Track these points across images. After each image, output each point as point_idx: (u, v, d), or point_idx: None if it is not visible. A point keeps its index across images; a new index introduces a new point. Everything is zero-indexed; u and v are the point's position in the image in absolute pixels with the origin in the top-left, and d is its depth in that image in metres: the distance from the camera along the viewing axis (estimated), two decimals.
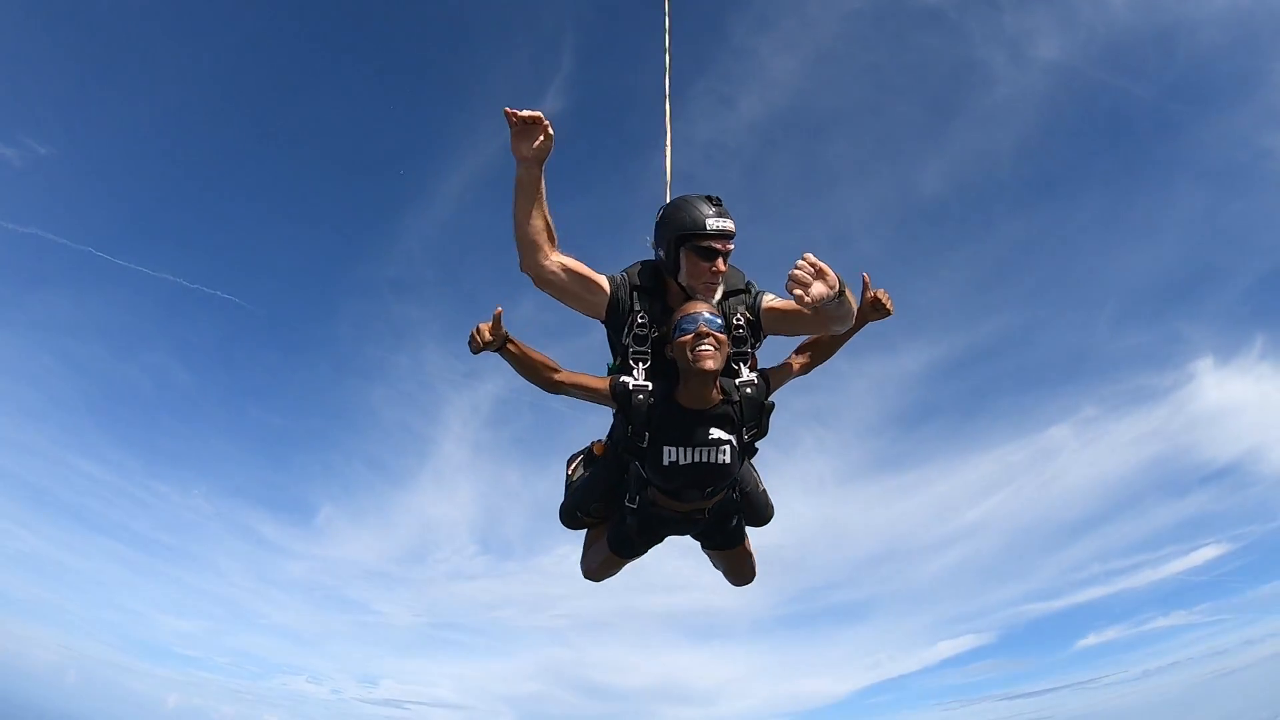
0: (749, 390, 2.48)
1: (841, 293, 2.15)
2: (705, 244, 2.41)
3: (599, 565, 3.04)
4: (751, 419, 2.48)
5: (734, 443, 2.46)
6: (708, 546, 3.03)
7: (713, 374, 2.32)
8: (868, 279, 2.57)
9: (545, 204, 2.32)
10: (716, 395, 2.42)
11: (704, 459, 2.43)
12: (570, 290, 2.47)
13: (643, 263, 2.65)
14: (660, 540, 2.90)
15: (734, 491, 2.74)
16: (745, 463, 2.68)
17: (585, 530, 3.05)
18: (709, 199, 2.46)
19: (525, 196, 2.27)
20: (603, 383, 2.50)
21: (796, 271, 2.09)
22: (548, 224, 2.34)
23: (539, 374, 2.50)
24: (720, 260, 2.44)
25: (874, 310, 2.58)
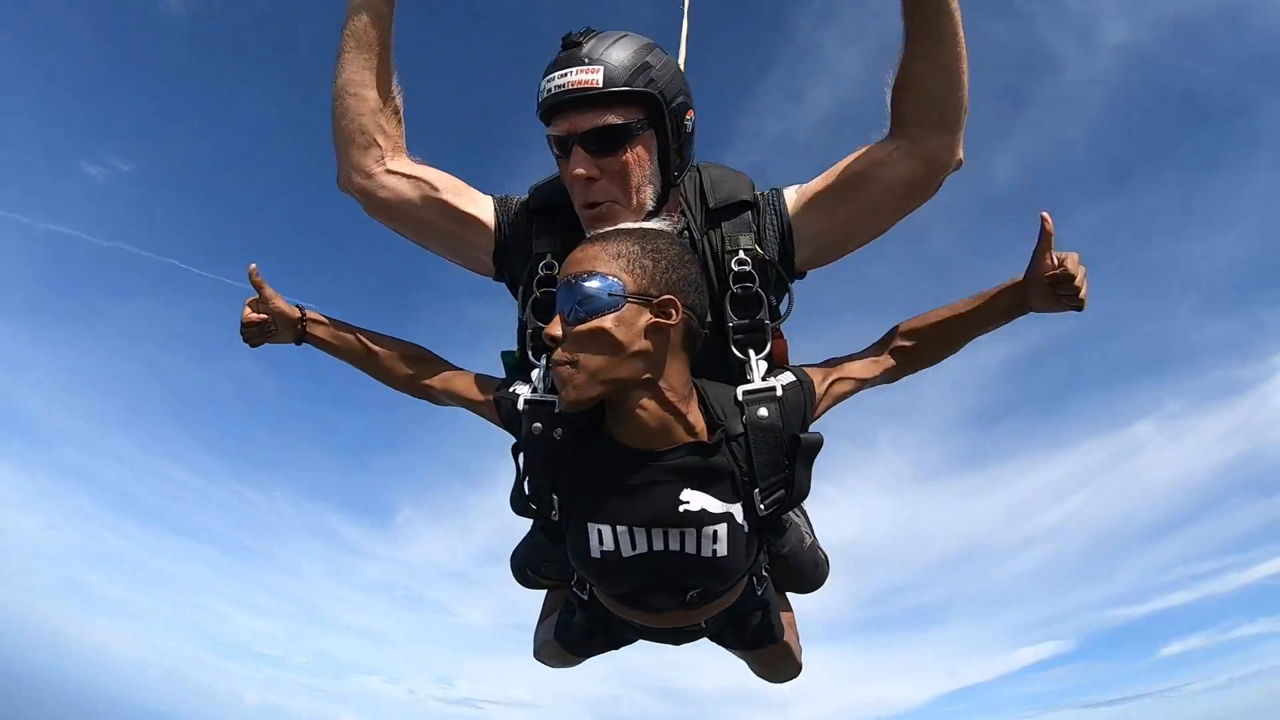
0: (763, 413, 1.24)
1: None
2: (549, 132, 1.32)
3: (543, 649, 1.97)
4: (771, 470, 1.24)
5: (734, 518, 1.24)
6: (725, 646, 1.89)
7: (573, 405, 1.16)
8: (1049, 225, 1.34)
9: (391, 71, 1.37)
10: (690, 422, 1.22)
11: (670, 547, 1.24)
12: (424, 220, 1.44)
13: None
14: (629, 643, 1.81)
15: (754, 585, 1.57)
16: (769, 545, 1.48)
17: (545, 591, 1.98)
18: (563, 41, 1.31)
19: (358, 45, 1.32)
20: (483, 390, 1.41)
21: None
22: (391, 103, 1.38)
23: (394, 374, 1.56)
24: (578, 155, 1.27)
25: (1054, 291, 1.36)
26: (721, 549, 1.24)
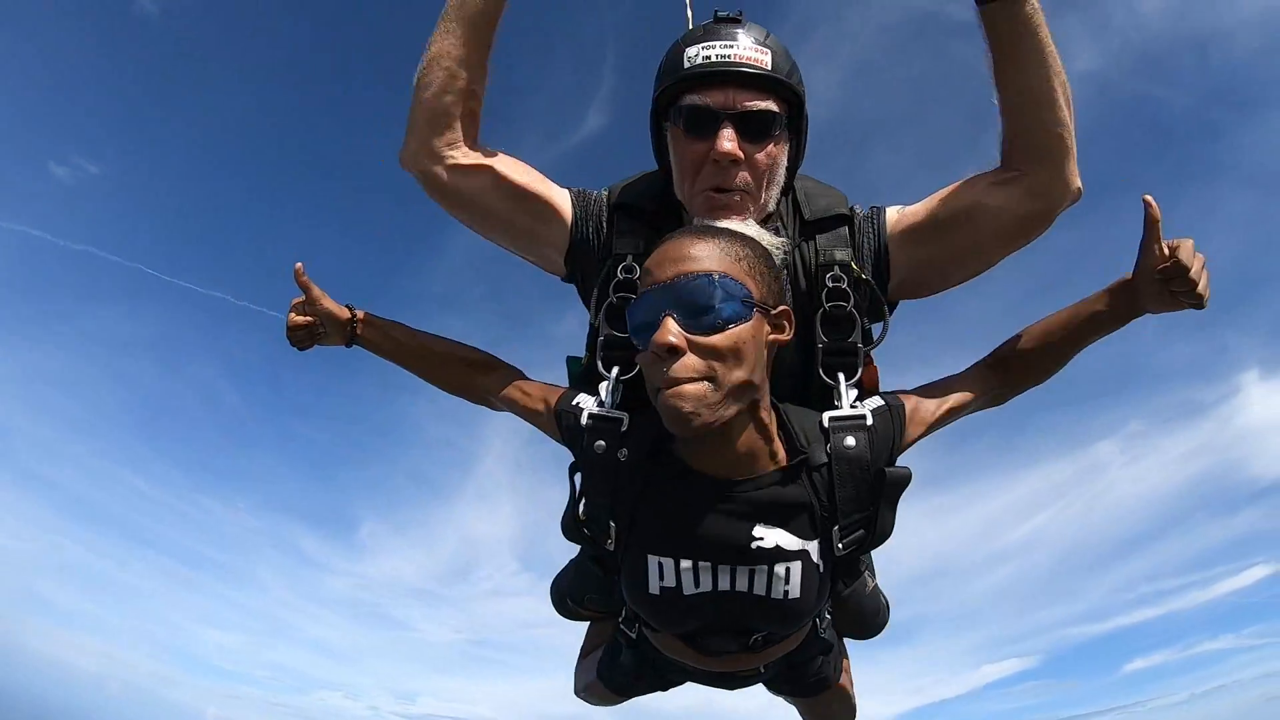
0: (850, 443, 1.12)
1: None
2: (691, 99, 1.21)
3: (586, 689, 1.83)
4: (854, 507, 1.12)
5: (809, 556, 1.12)
6: (775, 691, 1.75)
7: (705, 429, 0.99)
8: (1156, 212, 1.18)
9: (489, 53, 1.26)
10: (771, 450, 1.11)
11: (738, 587, 1.13)
12: (493, 209, 1.34)
13: (651, 173, 1.40)
14: (678, 684, 1.67)
15: (818, 629, 1.44)
16: (844, 587, 1.38)
17: (588, 622, 1.84)
18: (718, 17, 1.25)
19: (461, 21, 1.22)
20: (544, 400, 1.30)
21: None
22: (479, 87, 1.28)
23: (449, 377, 1.47)
24: (728, 132, 1.17)
25: (1168, 286, 1.19)
26: (794, 590, 1.12)
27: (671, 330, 0.96)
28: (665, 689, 1.72)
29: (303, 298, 1.45)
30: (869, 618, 1.63)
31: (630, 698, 1.80)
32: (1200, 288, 1.19)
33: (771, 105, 1.20)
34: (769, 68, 1.19)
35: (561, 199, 1.35)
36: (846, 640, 1.78)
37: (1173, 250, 1.18)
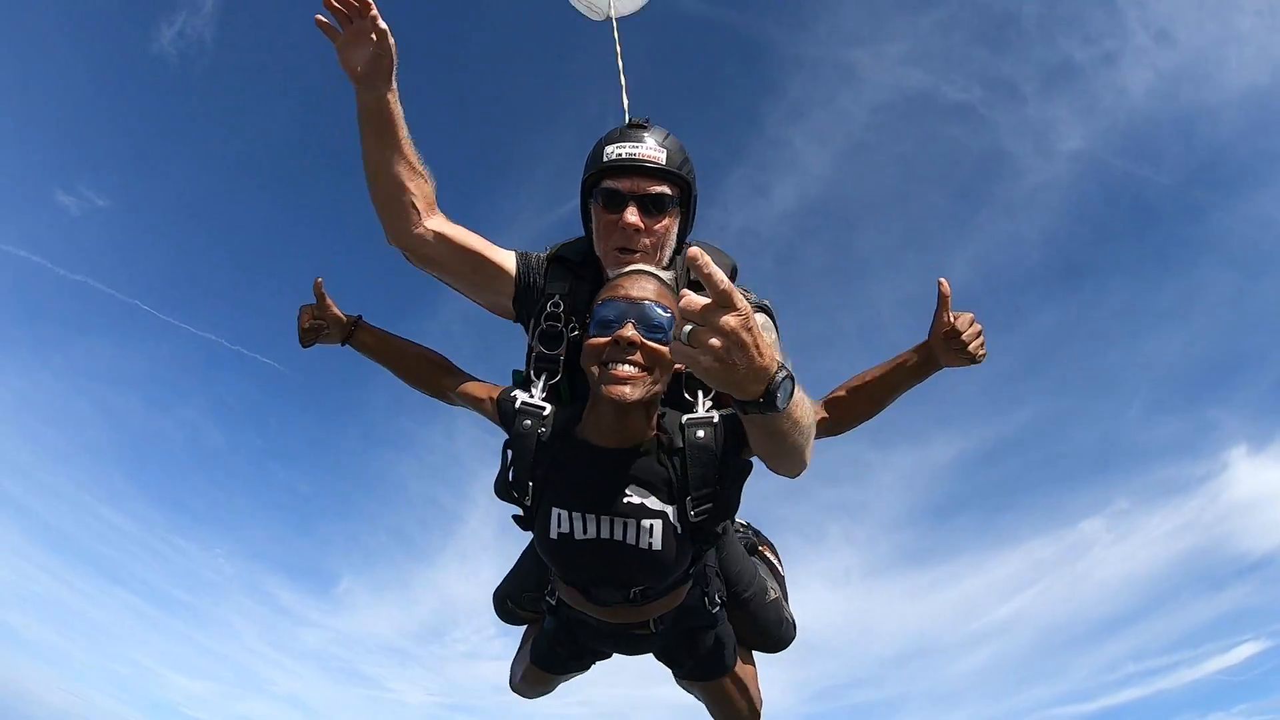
0: (700, 435, 1.49)
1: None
2: (607, 183, 1.65)
3: (521, 676, 2.15)
4: (702, 483, 1.48)
5: (669, 517, 1.49)
6: (679, 675, 2.02)
7: (630, 407, 1.40)
8: (946, 289, 1.70)
9: (408, 144, 1.60)
10: (647, 432, 1.51)
11: (614, 535, 1.49)
12: (458, 272, 1.74)
13: (579, 237, 1.83)
14: (598, 655, 2.01)
15: (704, 595, 1.77)
16: (700, 551, 1.63)
17: (525, 629, 2.19)
18: (630, 123, 1.71)
19: (375, 132, 1.56)
20: (489, 394, 1.68)
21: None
22: (416, 171, 1.62)
23: (420, 376, 1.87)
24: (632, 209, 1.61)
25: (950, 346, 1.69)
26: (656, 543, 1.49)
27: (629, 328, 1.39)
28: (583, 662, 2.04)
29: (315, 304, 1.86)
30: (772, 627, 1.96)
31: (558, 675, 2.12)
32: (972, 348, 1.68)
33: (665, 189, 1.66)
34: (664, 163, 1.65)
35: (507, 259, 1.79)
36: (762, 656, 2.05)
37: (955, 319, 1.68)
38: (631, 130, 1.69)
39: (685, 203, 1.72)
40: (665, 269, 1.66)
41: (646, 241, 1.64)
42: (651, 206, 1.64)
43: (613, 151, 1.65)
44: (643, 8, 4.02)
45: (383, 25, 1.48)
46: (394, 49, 1.51)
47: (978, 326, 1.68)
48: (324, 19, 1.48)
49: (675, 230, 1.71)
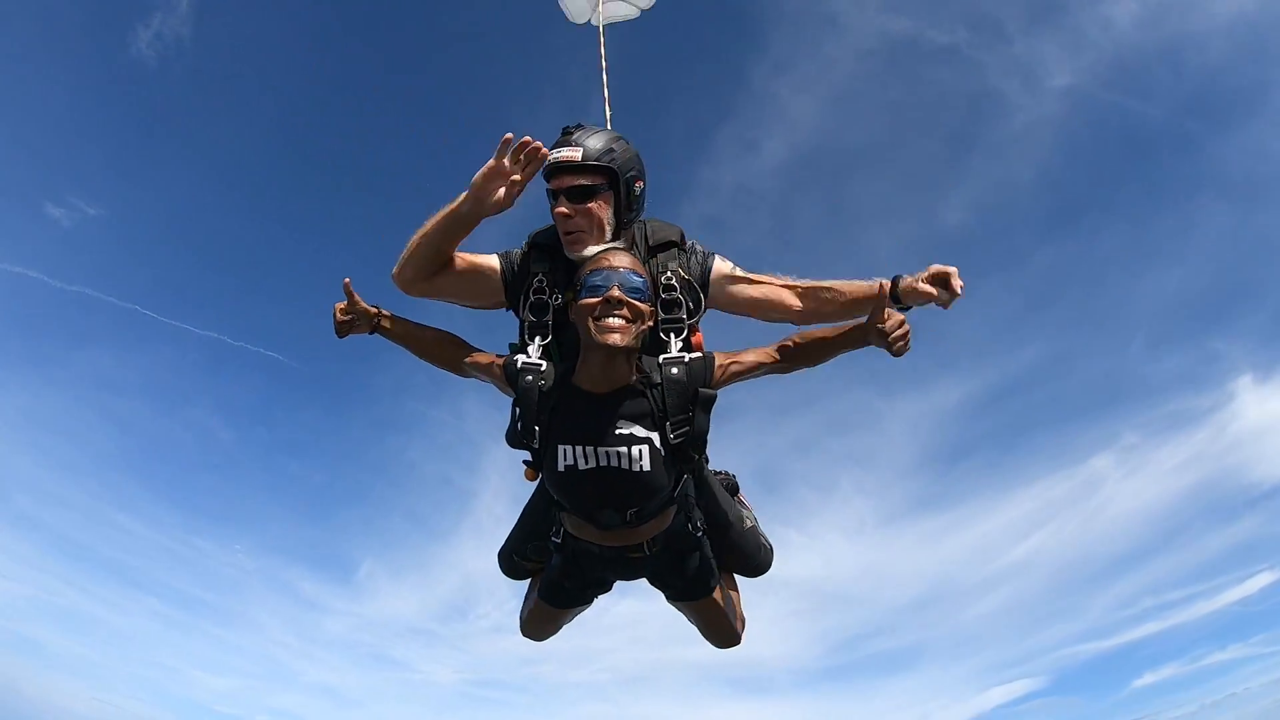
0: (674, 371, 1.85)
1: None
2: (547, 186, 2.00)
3: (529, 616, 2.42)
4: (678, 410, 1.83)
5: (653, 442, 1.83)
6: (670, 597, 2.31)
7: (619, 351, 1.76)
8: (884, 291, 1.98)
9: (460, 242, 2.01)
10: (630, 375, 1.84)
11: (610, 463, 1.81)
12: (456, 297, 2.13)
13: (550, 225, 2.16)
14: (600, 587, 2.30)
15: (688, 520, 2.08)
16: (681, 472, 1.97)
17: (530, 580, 2.46)
18: (563, 130, 2.03)
19: (451, 229, 1.95)
20: (494, 361, 2.00)
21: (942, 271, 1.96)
22: (444, 261, 2.03)
23: (437, 354, 2.14)
24: (561, 202, 1.95)
25: (879, 337, 1.93)
26: (645, 465, 1.82)
27: (615, 289, 1.77)
28: (586, 594, 2.31)
29: (346, 302, 2.11)
30: (751, 553, 2.31)
31: (564, 610, 2.36)
32: (896, 348, 1.93)
33: (585, 180, 1.96)
34: (579, 159, 1.94)
35: (490, 262, 2.12)
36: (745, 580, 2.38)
37: (889, 316, 1.91)
38: (562, 137, 2.00)
39: (615, 185, 2.00)
40: (610, 240, 2.03)
41: (580, 222, 1.98)
42: (577, 196, 1.96)
43: (552, 153, 1.97)
44: (631, 19, 4.39)
45: (520, 182, 1.88)
46: (514, 202, 1.90)
47: (907, 329, 1.94)
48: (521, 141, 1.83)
49: (609, 208, 2.02)
